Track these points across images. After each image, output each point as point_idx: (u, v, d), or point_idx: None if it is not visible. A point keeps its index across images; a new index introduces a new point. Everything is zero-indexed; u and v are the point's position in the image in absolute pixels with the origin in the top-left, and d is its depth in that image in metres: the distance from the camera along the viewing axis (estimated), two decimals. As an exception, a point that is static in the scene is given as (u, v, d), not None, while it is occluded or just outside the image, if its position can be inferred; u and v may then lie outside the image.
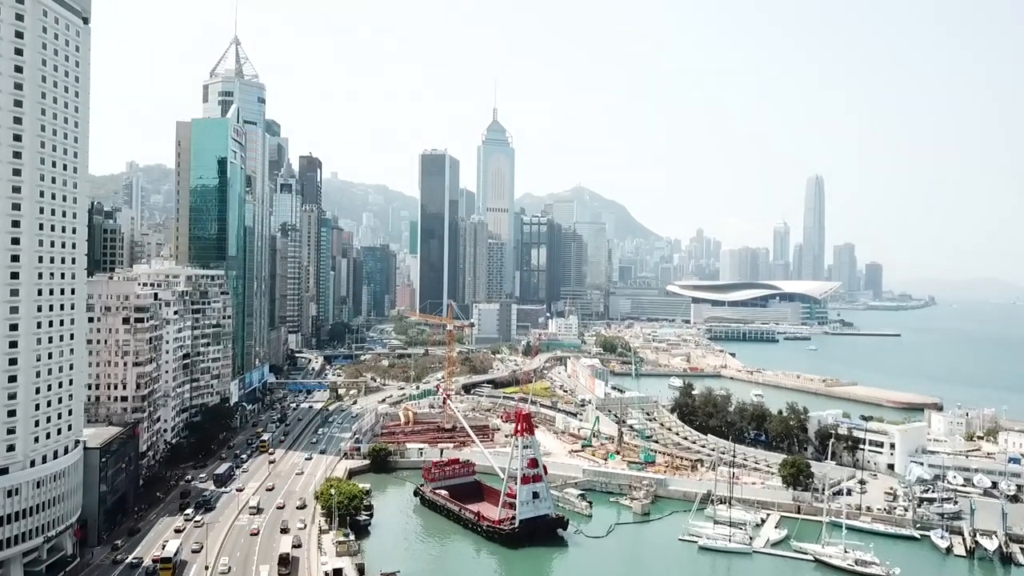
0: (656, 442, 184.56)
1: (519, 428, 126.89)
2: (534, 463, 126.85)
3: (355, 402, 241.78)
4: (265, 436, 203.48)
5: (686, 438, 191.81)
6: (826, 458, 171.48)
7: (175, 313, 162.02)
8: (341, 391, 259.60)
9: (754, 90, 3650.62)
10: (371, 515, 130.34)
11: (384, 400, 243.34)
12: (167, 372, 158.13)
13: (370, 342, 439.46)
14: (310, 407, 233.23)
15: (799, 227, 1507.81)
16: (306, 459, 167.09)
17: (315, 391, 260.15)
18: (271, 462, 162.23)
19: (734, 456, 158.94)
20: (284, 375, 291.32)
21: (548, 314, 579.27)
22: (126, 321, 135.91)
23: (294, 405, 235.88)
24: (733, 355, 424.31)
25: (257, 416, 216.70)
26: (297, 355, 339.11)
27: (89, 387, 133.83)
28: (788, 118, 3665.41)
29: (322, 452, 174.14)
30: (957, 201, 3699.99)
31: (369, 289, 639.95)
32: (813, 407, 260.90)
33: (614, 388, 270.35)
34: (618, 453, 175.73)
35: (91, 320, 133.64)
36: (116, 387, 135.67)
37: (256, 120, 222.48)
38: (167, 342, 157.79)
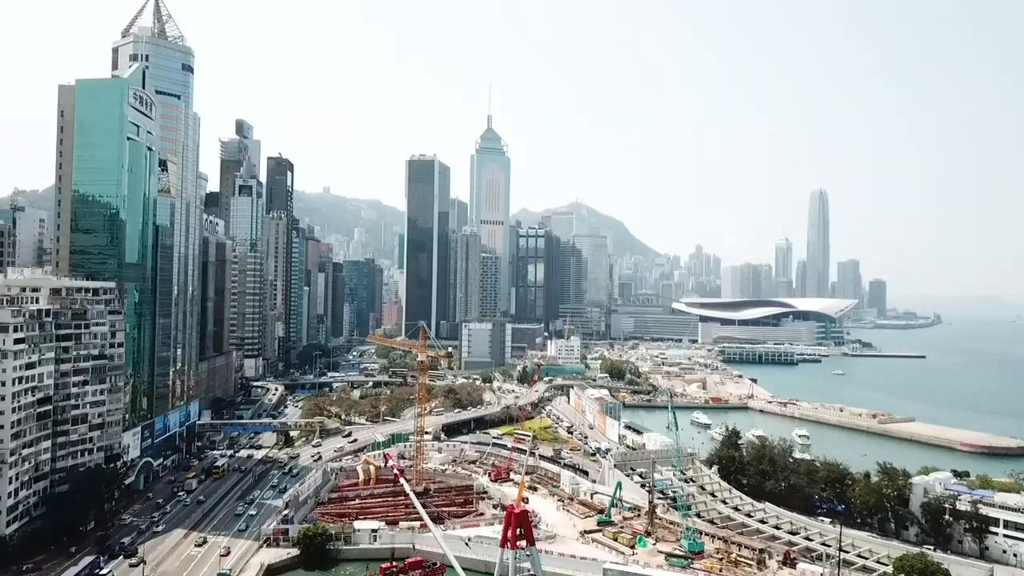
0: (699, 516, 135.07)
1: (510, 535, 78.11)
2: (535, 592, 78.22)
3: (315, 447, 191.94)
4: (220, 462, 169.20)
5: (737, 508, 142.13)
6: (936, 544, 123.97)
7: (18, 342, 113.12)
8: (294, 433, 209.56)
9: (752, 105, 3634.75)
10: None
11: (344, 446, 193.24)
12: (1, 428, 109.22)
13: (345, 367, 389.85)
14: (248, 457, 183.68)
15: (801, 243, 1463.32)
16: (201, 547, 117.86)
17: (262, 433, 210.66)
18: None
19: (841, 549, 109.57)
20: (231, 411, 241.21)
21: (546, 334, 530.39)
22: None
23: (228, 454, 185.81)
24: (755, 381, 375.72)
25: (174, 473, 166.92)
26: (253, 385, 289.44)
27: None
28: (785, 133, 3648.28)
29: (239, 533, 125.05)
30: (954, 218, 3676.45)
31: (352, 307, 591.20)
32: (867, 450, 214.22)
33: (628, 427, 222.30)
34: (649, 535, 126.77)
35: None
36: None
37: (180, 92, 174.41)
38: (1, 384, 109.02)
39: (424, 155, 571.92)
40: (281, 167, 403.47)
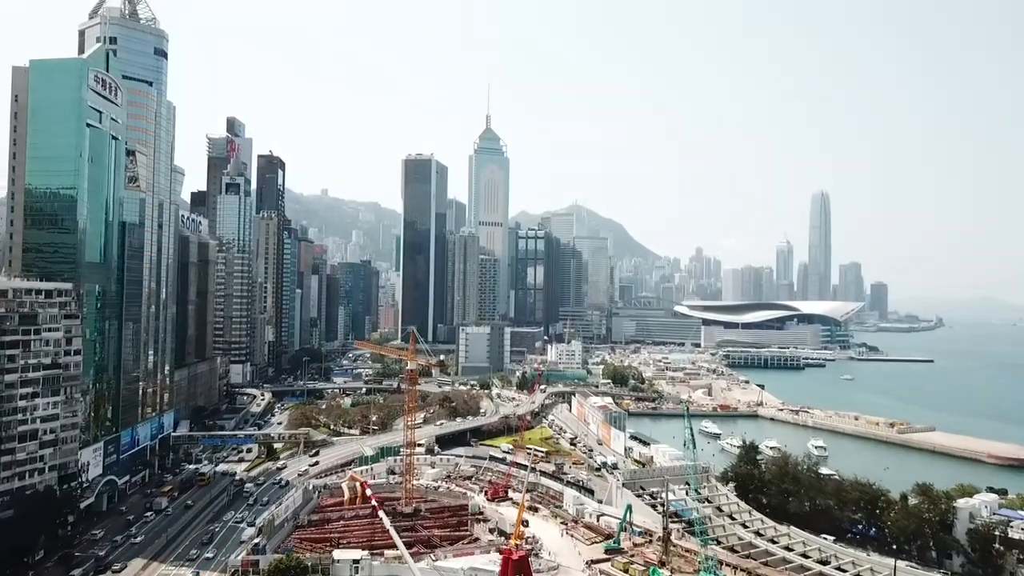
0: (717, 542, 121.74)
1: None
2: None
3: (279, 470, 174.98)
4: (205, 470, 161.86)
5: (759, 533, 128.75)
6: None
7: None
8: (278, 446, 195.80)
9: (753, 105, 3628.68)
10: None
11: (307, 469, 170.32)
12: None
13: (339, 372, 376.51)
14: (224, 474, 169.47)
15: (802, 245, 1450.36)
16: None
17: (243, 446, 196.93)
18: None
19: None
20: (213, 421, 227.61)
21: (546, 337, 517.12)
22: None
23: (204, 469, 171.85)
24: (762, 387, 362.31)
25: (144, 491, 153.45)
26: (239, 392, 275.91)
27: None
28: (786, 134, 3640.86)
29: (205, 563, 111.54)
30: (953, 219, 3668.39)
31: (347, 310, 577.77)
32: (889, 462, 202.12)
33: (634, 438, 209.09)
34: (664, 565, 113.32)
35: None
36: None
37: (152, 79, 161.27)
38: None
39: (421, 154, 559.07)
40: (272, 165, 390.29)
